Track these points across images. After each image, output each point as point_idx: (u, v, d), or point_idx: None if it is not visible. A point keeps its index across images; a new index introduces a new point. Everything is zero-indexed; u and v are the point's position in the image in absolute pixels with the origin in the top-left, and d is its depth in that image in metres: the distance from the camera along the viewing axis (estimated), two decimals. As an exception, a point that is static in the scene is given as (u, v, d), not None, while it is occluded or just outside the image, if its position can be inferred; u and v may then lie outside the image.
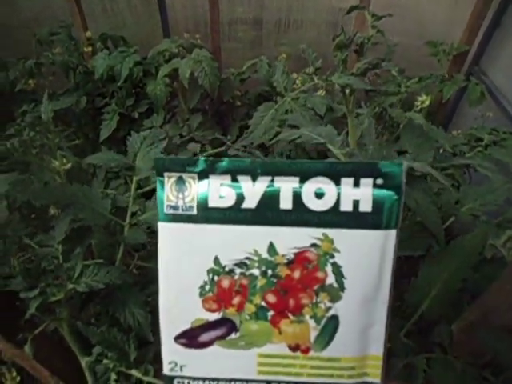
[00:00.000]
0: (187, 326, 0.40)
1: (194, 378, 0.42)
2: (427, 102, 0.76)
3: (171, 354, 0.42)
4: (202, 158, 0.38)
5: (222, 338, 0.40)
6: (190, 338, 0.41)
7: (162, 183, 0.39)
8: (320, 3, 1.92)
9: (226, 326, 0.40)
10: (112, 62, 1.43)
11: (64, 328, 0.57)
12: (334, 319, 0.39)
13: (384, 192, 0.37)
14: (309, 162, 0.38)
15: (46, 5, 1.80)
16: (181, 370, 0.42)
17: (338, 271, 0.39)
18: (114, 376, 0.54)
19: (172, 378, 0.42)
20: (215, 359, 0.41)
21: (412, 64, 1.65)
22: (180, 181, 0.39)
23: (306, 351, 0.40)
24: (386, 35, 0.74)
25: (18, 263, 0.56)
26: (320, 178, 0.38)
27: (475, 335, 0.50)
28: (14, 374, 0.64)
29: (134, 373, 0.54)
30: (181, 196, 0.39)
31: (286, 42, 2.01)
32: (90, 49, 1.57)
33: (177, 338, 0.41)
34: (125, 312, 0.58)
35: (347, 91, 0.64)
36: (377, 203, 0.37)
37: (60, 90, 1.56)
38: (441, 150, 0.89)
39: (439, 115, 1.63)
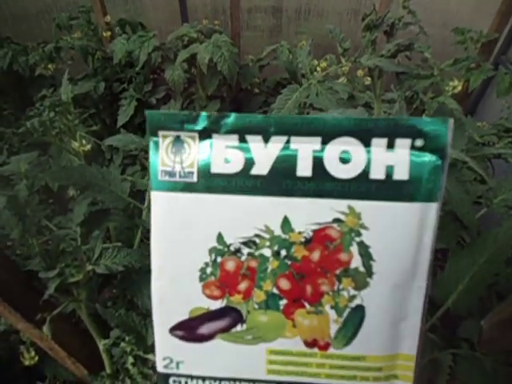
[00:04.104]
0: (185, 316, 0.35)
1: (193, 377, 0.36)
2: (459, 88, 0.72)
3: (166, 348, 0.36)
4: (203, 113, 0.32)
5: (225, 330, 0.35)
6: (188, 329, 0.35)
7: (156, 144, 0.33)
8: (342, -10, 1.87)
9: (231, 316, 0.34)
10: (130, 47, 1.41)
11: (82, 310, 0.57)
12: (359, 310, 0.34)
13: (425, 156, 0.31)
14: (333, 118, 0.32)
15: (65, -11, 1.79)
16: (177, 367, 0.36)
17: (365, 252, 0.32)
18: (131, 360, 0.53)
19: (167, 376, 0.36)
20: (217, 355, 0.35)
21: (436, 54, 1.59)
22: (177, 141, 0.32)
23: (324, 348, 0.34)
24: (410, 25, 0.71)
25: (36, 244, 0.55)
26: (346, 139, 0.31)
27: (508, 332, 0.48)
28: (33, 353, 0.64)
29: (151, 357, 0.54)
30: (178, 160, 0.32)
31: (305, 30, 1.97)
32: (108, 34, 1.56)
33: (172, 330, 0.35)
34: (142, 296, 0.57)
35: (375, 74, 0.61)
36: (415, 170, 0.31)
37: (78, 75, 1.56)
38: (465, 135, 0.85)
39: (464, 105, 1.57)
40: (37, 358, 0.62)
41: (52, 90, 1.50)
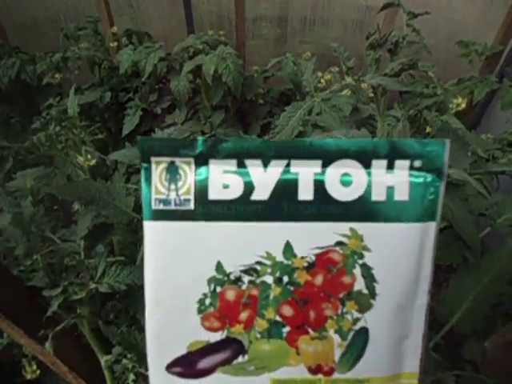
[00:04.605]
0: (183, 351, 0.33)
1: None
2: (463, 105, 0.72)
3: None
4: (199, 138, 0.31)
5: (226, 362, 0.33)
6: (187, 365, 0.33)
7: (149, 171, 0.31)
8: (347, 0, 1.88)
9: (232, 347, 0.33)
10: (137, 58, 1.43)
11: (84, 326, 0.57)
12: (363, 333, 0.33)
13: (423, 176, 0.31)
14: (333, 140, 0.32)
15: (73, 0, 1.82)
16: None
17: (368, 274, 0.32)
18: (132, 377, 0.53)
19: None
20: None
21: (440, 66, 1.60)
22: (172, 167, 0.31)
23: (328, 373, 0.34)
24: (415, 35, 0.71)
25: (41, 258, 0.55)
26: (346, 161, 0.31)
27: (512, 355, 0.47)
28: (35, 367, 0.64)
29: (153, 374, 0.53)
30: (173, 187, 0.31)
31: (310, 40, 1.98)
32: (115, 44, 1.58)
33: (169, 367, 0.34)
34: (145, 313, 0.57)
35: (379, 92, 0.61)
36: (415, 190, 0.31)
37: (85, 84, 1.58)
38: (468, 154, 0.85)
39: (468, 118, 1.57)
40: (38, 372, 0.62)
41: (59, 98, 1.52)
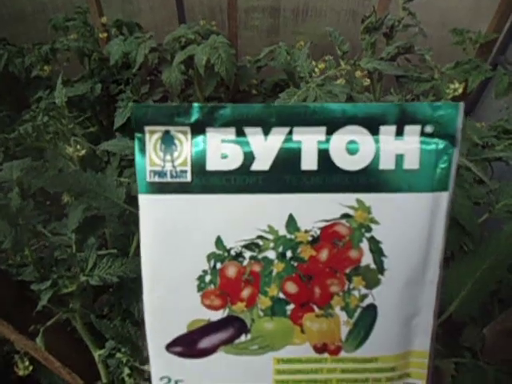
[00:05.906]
0: (183, 331, 0.32)
1: None
2: (460, 90, 0.71)
3: (163, 367, 0.33)
4: (196, 105, 0.29)
5: (228, 341, 0.32)
6: (187, 344, 0.32)
7: (142, 141, 0.30)
8: (340, -10, 1.86)
9: (234, 326, 0.32)
10: (127, 49, 1.40)
11: (77, 320, 0.55)
12: (371, 310, 0.32)
13: (435, 142, 0.29)
14: (338, 105, 0.29)
15: (61, -10, 1.78)
16: None
17: (376, 248, 0.31)
18: (127, 371, 0.52)
19: None
20: (220, 369, 0.33)
21: (434, 54, 1.59)
22: (167, 137, 0.29)
23: (335, 352, 0.33)
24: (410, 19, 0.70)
25: (30, 252, 0.54)
26: (352, 127, 0.29)
27: (512, 341, 0.47)
28: (27, 363, 0.63)
29: (147, 368, 0.52)
30: (169, 157, 0.30)
31: (303, 30, 1.96)
32: (105, 35, 1.55)
33: (169, 347, 0.33)
34: (138, 305, 0.56)
35: (375, 78, 0.60)
36: (426, 158, 0.29)
37: (75, 76, 1.55)
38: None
39: (463, 106, 1.57)
40: (31, 368, 0.61)
41: (48, 91, 1.49)
